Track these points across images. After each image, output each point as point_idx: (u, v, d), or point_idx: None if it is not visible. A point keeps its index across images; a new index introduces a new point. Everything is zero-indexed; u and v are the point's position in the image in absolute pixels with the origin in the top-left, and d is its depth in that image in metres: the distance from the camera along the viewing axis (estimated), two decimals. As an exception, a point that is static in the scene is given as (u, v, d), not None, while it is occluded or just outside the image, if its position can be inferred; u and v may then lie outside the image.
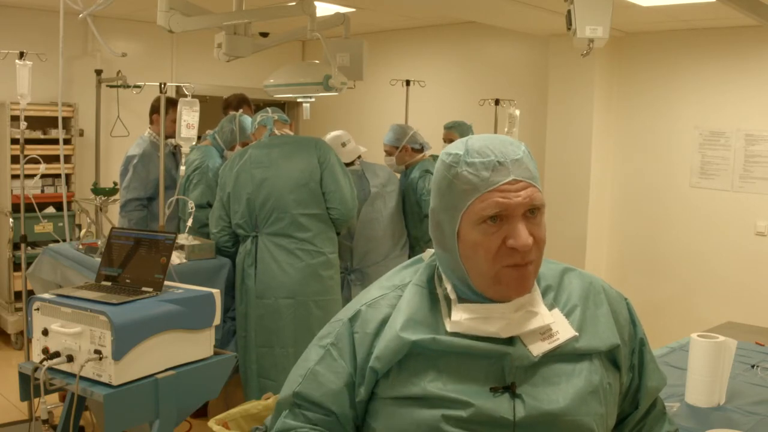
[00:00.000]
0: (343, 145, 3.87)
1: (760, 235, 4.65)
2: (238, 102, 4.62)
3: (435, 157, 4.34)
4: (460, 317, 1.20)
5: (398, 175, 4.17)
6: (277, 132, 3.62)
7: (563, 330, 1.22)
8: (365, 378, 1.22)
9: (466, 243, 1.17)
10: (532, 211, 1.16)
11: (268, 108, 3.82)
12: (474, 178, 1.15)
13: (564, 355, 1.21)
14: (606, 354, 1.26)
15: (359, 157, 3.94)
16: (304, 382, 1.25)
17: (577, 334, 1.22)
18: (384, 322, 1.23)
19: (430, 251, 1.33)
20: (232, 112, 4.30)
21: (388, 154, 4.22)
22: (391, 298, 1.26)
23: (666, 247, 5.10)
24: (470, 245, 1.17)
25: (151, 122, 4.38)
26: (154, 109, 4.29)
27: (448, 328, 1.20)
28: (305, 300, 3.41)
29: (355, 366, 1.23)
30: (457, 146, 1.20)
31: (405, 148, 4.16)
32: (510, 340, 1.20)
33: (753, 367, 2.43)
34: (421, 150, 4.21)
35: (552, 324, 1.22)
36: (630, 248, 5.30)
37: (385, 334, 1.22)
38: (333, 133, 3.94)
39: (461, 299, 1.23)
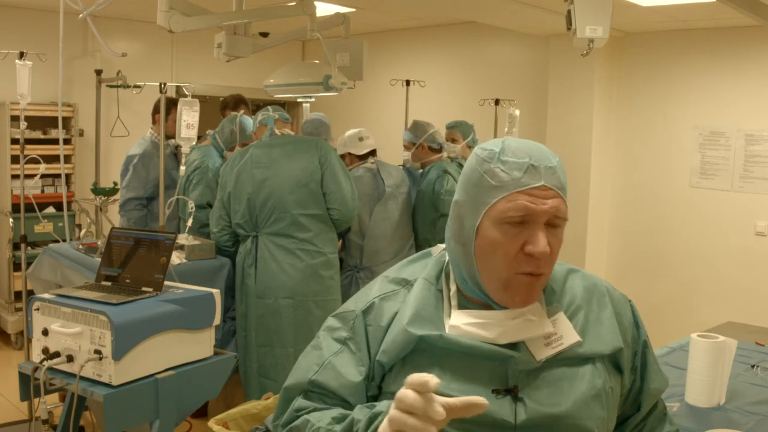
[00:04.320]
0: (361, 139, 3.92)
1: (760, 235, 4.65)
2: (236, 102, 4.61)
3: (452, 159, 4.34)
4: (459, 322, 1.19)
5: (418, 171, 4.23)
6: (277, 132, 3.62)
7: (567, 335, 1.21)
8: (375, 372, 1.21)
9: (483, 240, 1.16)
10: (554, 223, 1.15)
11: (269, 107, 3.80)
12: (505, 176, 1.14)
13: (567, 359, 1.21)
14: (609, 357, 1.25)
15: (374, 155, 3.94)
16: (322, 371, 1.23)
17: (580, 339, 1.22)
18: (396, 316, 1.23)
19: (440, 246, 1.32)
20: (232, 113, 4.30)
21: (407, 149, 4.28)
22: (404, 295, 1.25)
23: (666, 247, 5.10)
24: (488, 243, 1.15)
25: (154, 122, 4.38)
26: (157, 109, 4.29)
27: (446, 331, 1.19)
28: (305, 300, 3.41)
29: (370, 359, 1.22)
30: (495, 143, 1.20)
31: (422, 146, 4.18)
32: (514, 344, 1.19)
33: (753, 367, 2.43)
34: (440, 150, 4.21)
35: (556, 327, 1.21)
36: (630, 248, 5.30)
37: (392, 328, 1.21)
38: (353, 130, 4.00)
39: (466, 298, 1.23)
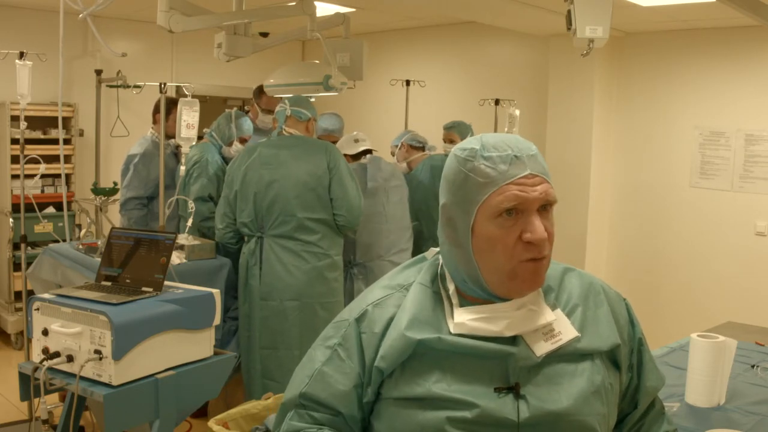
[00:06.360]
0: (356, 141, 3.95)
1: (760, 235, 4.65)
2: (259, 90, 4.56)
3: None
4: (463, 318, 1.20)
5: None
6: (285, 131, 3.56)
7: (566, 330, 1.23)
8: (372, 378, 1.21)
9: (481, 238, 1.17)
10: (545, 207, 1.18)
11: (286, 100, 3.63)
12: (492, 171, 1.16)
13: (566, 355, 1.21)
14: (607, 354, 1.26)
15: (371, 153, 3.96)
16: (312, 383, 1.24)
17: (579, 334, 1.23)
18: (391, 321, 1.23)
19: (434, 250, 1.33)
20: (227, 110, 4.30)
21: (392, 154, 4.41)
22: (397, 298, 1.26)
23: (666, 247, 5.10)
24: (486, 240, 1.17)
25: (155, 122, 4.37)
26: (158, 109, 4.29)
27: (452, 330, 1.20)
28: (311, 302, 3.40)
29: (364, 366, 1.22)
30: (471, 142, 1.21)
31: (403, 145, 4.31)
32: (514, 341, 1.20)
33: (753, 367, 2.43)
34: (422, 149, 4.32)
35: (554, 323, 1.22)
36: (630, 248, 5.30)
37: (390, 333, 1.21)
38: (350, 134, 4.04)
39: (466, 297, 1.24)
